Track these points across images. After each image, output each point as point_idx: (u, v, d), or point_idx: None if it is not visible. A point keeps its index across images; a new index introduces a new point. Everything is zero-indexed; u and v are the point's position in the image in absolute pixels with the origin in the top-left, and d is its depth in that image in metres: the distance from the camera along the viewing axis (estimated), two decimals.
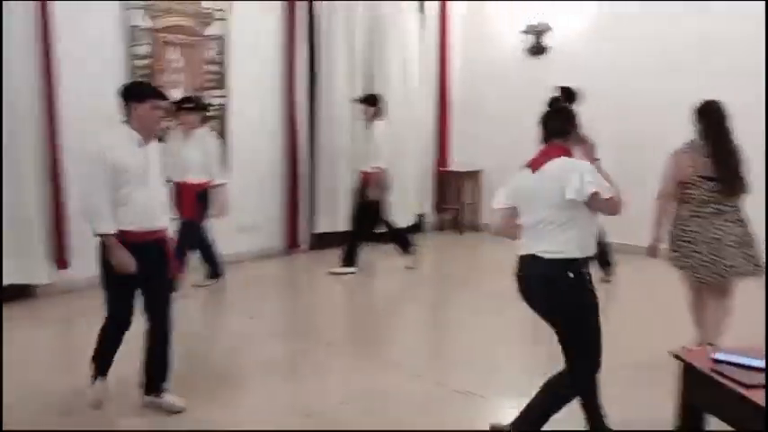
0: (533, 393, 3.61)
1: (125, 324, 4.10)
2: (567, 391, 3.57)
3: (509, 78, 9.39)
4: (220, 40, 7.63)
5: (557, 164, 3.47)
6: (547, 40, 9.18)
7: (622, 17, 8.34)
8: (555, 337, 3.58)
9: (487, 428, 3.82)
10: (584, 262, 3.48)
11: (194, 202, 6.36)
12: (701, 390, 3.07)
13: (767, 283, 5.70)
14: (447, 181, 10.29)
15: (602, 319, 3.51)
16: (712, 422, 3.10)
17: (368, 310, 6.53)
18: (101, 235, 3.88)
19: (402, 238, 7.87)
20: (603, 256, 6.75)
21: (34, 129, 6.25)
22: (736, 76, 7.07)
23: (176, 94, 6.78)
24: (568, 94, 6.90)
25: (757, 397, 2.66)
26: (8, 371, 4.43)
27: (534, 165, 3.55)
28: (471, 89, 10.03)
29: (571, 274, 3.41)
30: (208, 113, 7.17)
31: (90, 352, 4.16)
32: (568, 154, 3.57)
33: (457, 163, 10.27)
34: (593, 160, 3.61)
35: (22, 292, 6.31)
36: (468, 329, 5.83)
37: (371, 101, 7.61)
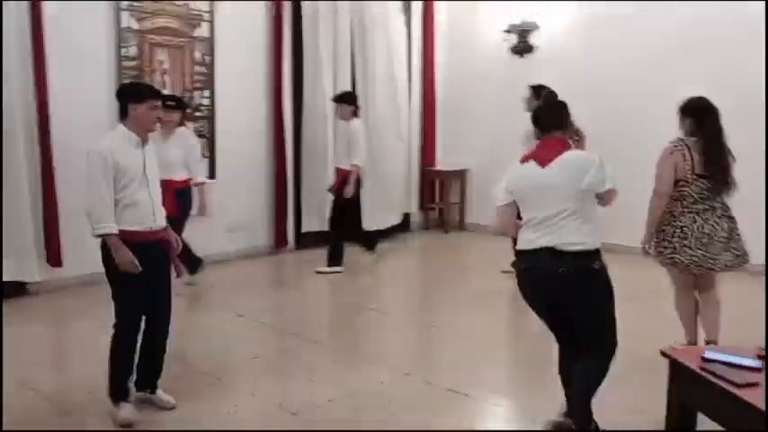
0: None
1: (138, 326, 4.06)
2: (598, 374, 3.61)
3: (495, 78, 9.41)
4: (208, 41, 7.64)
5: (570, 157, 3.52)
6: (532, 38, 9.21)
7: (608, 16, 8.38)
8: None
9: (477, 428, 3.83)
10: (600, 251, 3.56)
11: (175, 199, 6.33)
12: (690, 389, 3.08)
13: (767, 283, 5.77)
14: (433, 180, 10.31)
15: None
16: (705, 422, 3.11)
17: (355, 309, 6.52)
18: (103, 235, 3.85)
19: (369, 238, 7.91)
20: None
21: (26, 129, 6.26)
22: (722, 74, 7.13)
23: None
24: (540, 93, 6.96)
25: (750, 396, 2.68)
26: (5, 369, 4.43)
27: (543, 159, 3.53)
28: (457, 88, 10.06)
29: (598, 264, 3.49)
30: (187, 111, 7.15)
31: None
32: (569, 147, 3.61)
33: (443, 162, 10.30)
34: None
35: (14, 290, 6.31)
36: (456, 328, 5.84)
37: (348, 99, 7.59)
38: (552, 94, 3.61)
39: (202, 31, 7.58)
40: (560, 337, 3.75)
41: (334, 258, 7.58)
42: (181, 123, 6.61)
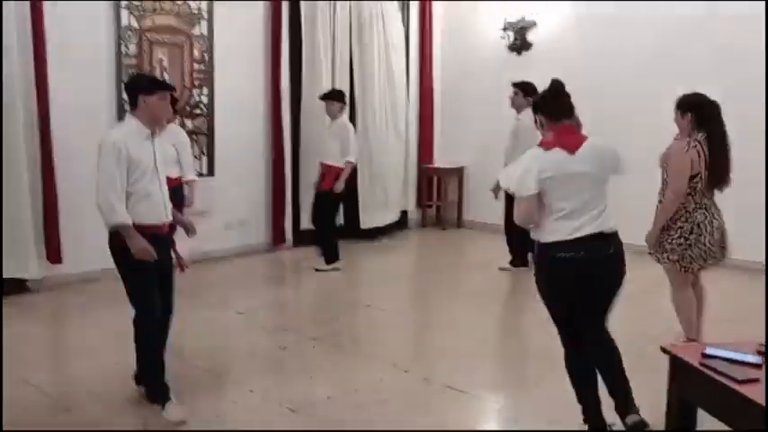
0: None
1: (158, 315, 4.03)
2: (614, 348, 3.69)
3: (492, 75, 9.40)
4: (207, 39, 7.63)
5: (596, 143, 3.57)
6: (530, 36, 9.22)
7: (605, 13, 8.39)
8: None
9: (477, 427, 3.83)
10: None
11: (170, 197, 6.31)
12: (691, 385, 3.08)
13: (767, 282, 5.79)
14: (430, 177, 10.32)
15: None
16: (705, 419, 3.11)
17: (353, 306, 6.53)
18: (117, 226, 3.82)
19: (335, 248, 7.67)
20: None
21: (26, 126, 6.26)
22: (721, 72, 7.14)
23: None
24: (528, 90, 6.98)
25: (750, 392, 2.68)
26: (4, 366, 4.42)
27: (570, 145, 3.50)
28: (455, 86, 10.08)
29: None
30: (177, 108, 7.10)
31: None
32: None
33: (440, 159, 10.31)
34: None
35: (14, 287, 6.30)
36: (454, 325, 5.85)
37: (336, 96, 7.53)
38: (559, 82, 3.59)
39: (201, 29, 7.58)
40: (570, 328, 3.70)
41: (331, 256, 7.58)
42: (172, 119, 6.57)
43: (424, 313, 6.52)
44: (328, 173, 7.43)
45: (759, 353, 3.02)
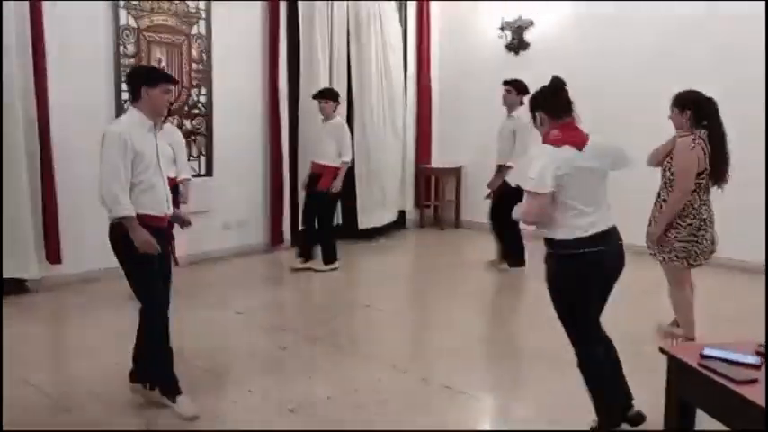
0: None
1: (165, 307, 4.03)
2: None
3: (490, 75, 9.39)
4: (205, 38, 7.64)
5: (597, 140, 3.60)
6: (527, 36, 9.23)
7: (603, 12, 8.42)
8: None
9: (477, 427, 3.83)
10: None
11: None
12: (689, 385, 3.07)
13: (767, 281, 5.80)
14: (428, 177, 10.33)
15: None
16: (703, 420, 3.12)
17: (352, 306, 6.53)
18: (121, 218, 3.81)
19: (333, 249, 7.67)
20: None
21: (26, 126, 6.25)
22: (719, 71, 7.18)
23: None
24: (520, 88, 7.00)
25: (749, 392, 2.68)
26: (4, 366, 4.43)
27: (578, 142, 3.51)
28: (453, 86, 10.10)
29: None
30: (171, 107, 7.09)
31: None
32: None
33: (438, 159, 10.32)
34: None
35: (14, 287, 6.30)
36: (452, 325, 5.86)
37: (329, 95, 7.44)
38: (559, 79, 3.58)
39: (199, 29, 7.58)
40: (587, 324, 3.68)
41: (329, 256, 7.58)
42: (168, 118, 6.55)
43: (422, 313, 6.52)
44: (324, 173, 7.39)
45: (758, 353, 3.02)
